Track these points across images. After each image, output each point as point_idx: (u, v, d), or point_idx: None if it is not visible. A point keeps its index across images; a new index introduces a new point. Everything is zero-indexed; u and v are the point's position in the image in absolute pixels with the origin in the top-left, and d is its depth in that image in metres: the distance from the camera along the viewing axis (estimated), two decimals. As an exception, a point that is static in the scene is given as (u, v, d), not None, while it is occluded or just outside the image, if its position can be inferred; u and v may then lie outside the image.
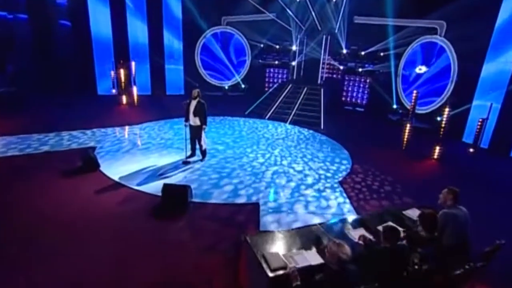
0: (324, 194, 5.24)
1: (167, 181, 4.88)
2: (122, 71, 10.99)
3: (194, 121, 5.62)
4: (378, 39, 12.69)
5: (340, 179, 6.08)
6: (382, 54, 13.30)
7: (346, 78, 14.43)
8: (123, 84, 10.96)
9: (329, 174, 6.34)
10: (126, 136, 7.09)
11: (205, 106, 5.49)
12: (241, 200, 4.71)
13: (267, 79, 15.65)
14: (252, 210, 4.41)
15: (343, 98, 14.62)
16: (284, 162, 6.73)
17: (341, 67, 14.05)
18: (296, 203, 4.76)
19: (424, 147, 8.16)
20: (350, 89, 14.47)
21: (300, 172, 6.23)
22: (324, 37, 12.99)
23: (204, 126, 5.57)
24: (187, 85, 15.01)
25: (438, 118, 10.03)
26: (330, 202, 5.01)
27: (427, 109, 11.61)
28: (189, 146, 5.96)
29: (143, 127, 8.16)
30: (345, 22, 12.89)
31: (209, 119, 6.40)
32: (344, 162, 7.11)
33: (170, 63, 13.51)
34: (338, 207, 4.82)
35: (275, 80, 15.34)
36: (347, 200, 5.11)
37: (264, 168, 6.26)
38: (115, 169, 5.10)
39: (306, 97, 11.71)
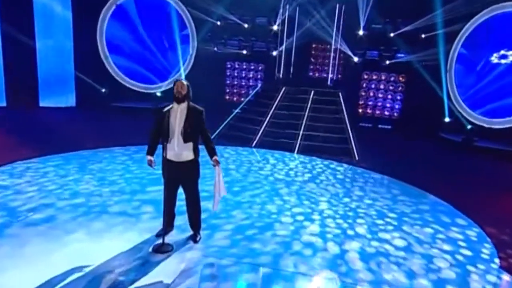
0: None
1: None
2: None
3: (181, 151, 4.84)
4: (417, 11, 12.92)
5: (498, 262, 5.44)
6: (424, 35, 13.29)
7: (365, 76, 14.54)
8: None
9: (467, 253, 5.63)
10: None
11: (204, 118, 4.95)
12: None
13: (227, 80, 15.79)
14: None
15: (360, 109, 14.50)
16: (361, 230, 6.08)
17: (356, 59, 14.07)
18: None
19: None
20: (370, 94, 14.61)
21: (408, 250, 5.59)
22: (338, 6, 12.93)
23: (215, 158, 4.93)
24: (81, 87, 13.63)
25: None
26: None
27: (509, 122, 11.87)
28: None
29: (17, 171, 7.52)
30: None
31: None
32: (460, 222, 6.71)
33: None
34: None
35: (242, 82, 15.69)
36: None
37: (335, 246, 5.54)
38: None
39: (313, 108, 11.72)
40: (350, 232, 5.87)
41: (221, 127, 11.48)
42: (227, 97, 15.90)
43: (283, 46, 14.17)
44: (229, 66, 15.70)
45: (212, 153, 4.85)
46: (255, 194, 7.19)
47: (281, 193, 7.33)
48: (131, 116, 13.01)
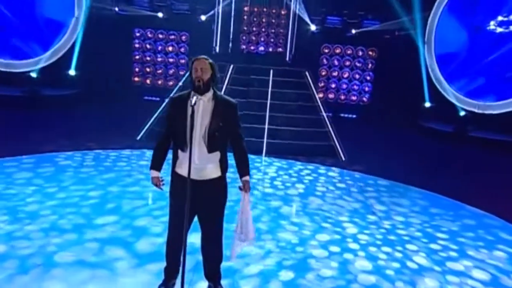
0: None
1: None
2: None
3: (203, 164, 4.56)
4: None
5: None
6: None
7: (325, 50, 14.81)
8: None
9: None
10: None
11: (238, 115, 4.70)
12: None
13: (136, 54, 15.66)
14: None
15: (320, 94, 14.30)
16: (422, 261, 6.23)
17: (314, 27, 14.21)
18: None
19: None
20: (333, 73, 14.87)
21: (497, 284, 5.79)
22: None
23: (246, 179, 4.70)
24: None
25: None
26: None
27: (508, 106, 12.38)
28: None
29: None
30: None
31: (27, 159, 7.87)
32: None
33: None
34: None
35: (159, 57, 15.64)
36: None
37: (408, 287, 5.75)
38: None
39: (276, 94, 11.83)
40: (411, 264, 5.93)
41: (150, 122, 11.23)
42: (136, 78, 15.53)
43: (218, 8, 13.80)
44: (138, 34, 15.32)
45: (244, 170, 4.57)
46: (254, 217, 6.78)
47: (284, 213, 7.38)
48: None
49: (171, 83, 15.14)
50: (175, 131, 4.39)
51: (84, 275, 5.14)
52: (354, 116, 14.79)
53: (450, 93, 13.55)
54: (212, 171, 4.44)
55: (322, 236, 6.65)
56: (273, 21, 15.09)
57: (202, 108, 4.32)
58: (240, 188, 4.50)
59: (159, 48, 15.25)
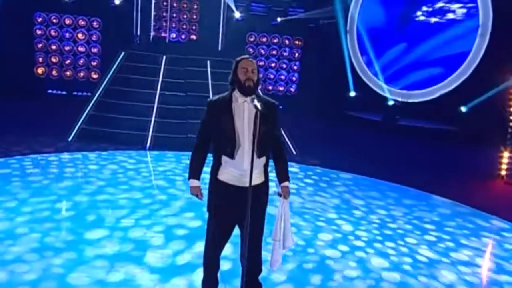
0: None
1: None
2: None
3: (252, 169, 4.38)
4: None
5: None
6: None
7: (251, 39, 14.93)
8: None
9: None
10: None
11: (279, 116, 4.75)
12: None
13: (39, 42, 14.90)
14: None
15: None
16: (430, 254, 6.59)
17: (238, 15, 14.37)
18: None
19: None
20: (259, 63, 14.82)
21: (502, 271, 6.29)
22: None
23: (286, 185, 4.72)
24: None
25: (463, 109, 12.26)
26: None
27: (430, 94, 13.34)
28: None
29: None
30: None
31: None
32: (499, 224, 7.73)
33: None
34: None
35: (66, 46, 14.97)
36: None
37: (432, 280, 5.98)
38: None
39: (216, 87, 12.01)
40: (421, 258, 6.21)
41: (80, 120, 11.05)
42: (40, 70, 14.75)
43: None
44: (40, 20, 14.54)
45: (284, 175, 4.58)
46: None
47: (274, 214, 7.23)
48: None
49: (95, 76, 14.46)
50: (218, 136, 4.31)
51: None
52: (281, 107, 14.94)
53: (374, 83, 14.28)
54: (257, 176, 4.34)
55: (324, 235, 6.76)
56: (185, 5, 14.82)
57: (247, 112, 4.26)
58: (279, 194, 4.49)
59: (67, 35, 14.33)
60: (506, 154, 10.32)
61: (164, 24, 14.60)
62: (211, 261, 4.66)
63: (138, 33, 13.98)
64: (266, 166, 4.39)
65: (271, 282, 5.39)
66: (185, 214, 7.12)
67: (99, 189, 7.92)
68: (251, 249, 4.47)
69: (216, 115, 4.26)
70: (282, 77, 15.28)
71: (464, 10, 13.21)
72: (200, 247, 5.36)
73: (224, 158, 4.22)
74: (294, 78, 15.40)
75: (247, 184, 4.08)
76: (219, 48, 13.71)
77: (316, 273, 5.67)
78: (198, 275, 4.86)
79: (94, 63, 14.54)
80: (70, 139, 10.65)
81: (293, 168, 9.82)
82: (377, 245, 6.55)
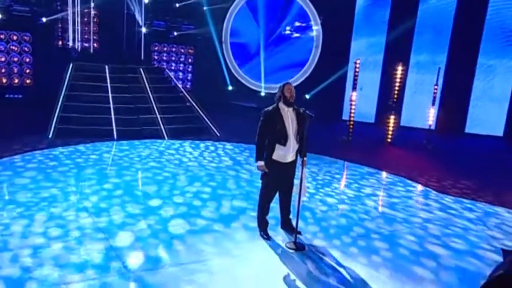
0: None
1: None
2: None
3: (294, 152, 5.77)
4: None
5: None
6: (205, 8, 17.17)
7: (155, 48, 17.35)
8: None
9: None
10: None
11: (310, 123, 5.82)
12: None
13: None
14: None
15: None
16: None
17: (144, 30, 16.79)
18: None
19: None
20: (163, 66, 17.30)
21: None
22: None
23: (305, 160, 5.72)
24: None
25: (307, 96, 16.32)
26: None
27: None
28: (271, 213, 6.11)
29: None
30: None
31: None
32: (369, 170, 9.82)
33: None
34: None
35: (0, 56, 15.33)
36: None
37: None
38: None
39: (154, 89, 13.75)
40: (450, 232, 6.68)
41: (54, 120, 11.52)
42: None
43: (66, 13, 14.56)
44: None
45: (303, 153, 5.53)
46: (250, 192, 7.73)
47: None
48: None
49: (28, 81, 15.35)
50: (274, 132, 5.21)
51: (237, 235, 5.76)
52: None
53: (243, 79, 18.12)
54: (293, 156, 5.43)
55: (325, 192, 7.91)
56: (86, 19, 15.81)
57: (290, 116, 5.32)
58: (301, 165, 5.41)
59: (1, 48, 15.31)
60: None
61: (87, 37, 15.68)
62: (265, 206, 5.50)
63: (77, 45, 15.04)
64: (297, 150, 5.42)
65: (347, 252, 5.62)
66: (195, 184, 7.95)
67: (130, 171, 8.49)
68: (288, 198, 5.71)
69: (273, 120, 5.18)
70: (180, 76, 18.24)
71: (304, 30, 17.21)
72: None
73: (278, 146, 5.17)
74: (189, 77, 18.57)
75: (288, 160, 5.37)
76: (142, 58, 15.77)
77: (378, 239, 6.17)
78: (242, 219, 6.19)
79: (28, 71, 15.54)
80: (50, 136, 11.04)
81: (228, 147, 11.33)
82: (400, 226, 6.58)
